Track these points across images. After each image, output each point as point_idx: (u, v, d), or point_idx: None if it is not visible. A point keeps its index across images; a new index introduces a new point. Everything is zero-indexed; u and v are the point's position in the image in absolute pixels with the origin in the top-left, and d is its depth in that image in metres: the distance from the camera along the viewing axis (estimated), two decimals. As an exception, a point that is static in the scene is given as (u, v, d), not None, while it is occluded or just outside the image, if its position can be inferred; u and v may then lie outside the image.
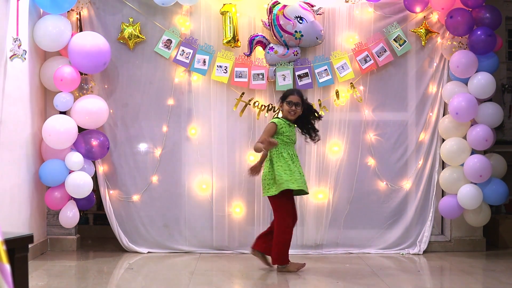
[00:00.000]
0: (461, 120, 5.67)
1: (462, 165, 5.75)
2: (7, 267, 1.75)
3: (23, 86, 5.36)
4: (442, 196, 6.01)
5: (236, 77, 5.88)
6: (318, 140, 5.27)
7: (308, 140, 5.23)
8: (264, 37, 5.88)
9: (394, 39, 5.94)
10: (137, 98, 5.96)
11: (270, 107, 5.91)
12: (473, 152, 5.76)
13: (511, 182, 6.18)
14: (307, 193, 5.17)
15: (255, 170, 5.19)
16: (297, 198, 5.93)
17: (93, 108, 5.60)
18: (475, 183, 5.72)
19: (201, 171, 5.94)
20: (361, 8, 5.99)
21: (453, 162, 5.79)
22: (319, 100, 5.94)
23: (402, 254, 5.96)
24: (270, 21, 5.84)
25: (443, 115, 5.97)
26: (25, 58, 5.12)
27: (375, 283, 4.80)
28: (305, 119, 5.17)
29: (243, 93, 5.90)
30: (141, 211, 5.95)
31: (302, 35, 5.79)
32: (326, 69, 5.91)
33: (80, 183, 5.47)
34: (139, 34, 5.87)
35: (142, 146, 5.98)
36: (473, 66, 5.65)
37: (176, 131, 5.98)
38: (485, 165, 5.62)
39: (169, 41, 5.87)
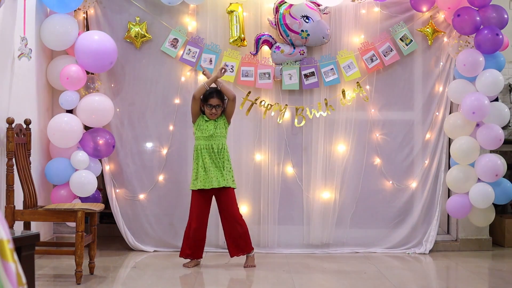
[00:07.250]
0: (476, 119, 5.64)
1: (471, 164, 5.72)
2: (12, 265, 1.75)
3: (30, 85, 5.38)
4: (449, 196, 6.00)
5: (242, 76, 5.89)
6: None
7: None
8: (270, 36, 5.88)
9: (400, 38, 5.93)
10: (143, 97, 5.97)
11: (276, 106, 5.91)
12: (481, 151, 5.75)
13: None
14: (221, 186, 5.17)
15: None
16: (303, 197, 5.96)
17: (98, 106, 5.61)
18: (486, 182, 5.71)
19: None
20: (368, 7, 5.99)
21: (465, 161, 5.75)
22: (325, 99, 5.94)
23: (408, 253, 5.95)
24: (276, 20, 5.84)
25: (449, 114, 5.96)
26: (30, 57, 5.14)
27: (381, 282, 4.80)
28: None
29: (249, 92, 5.90)
30: (147, 209, 5.96)
31: (308, 34, 5.79)
32: (332, 68, 5.90)
33: (84, 181, 5.46)
34: (145, 33, 5.88)
35: (149, 145, 5.99)
36: (480, 65, 5.64)
37: (182, 130, 5.98)
38: (499, 164, 5.62)
39: (176, 40, 5.88)
